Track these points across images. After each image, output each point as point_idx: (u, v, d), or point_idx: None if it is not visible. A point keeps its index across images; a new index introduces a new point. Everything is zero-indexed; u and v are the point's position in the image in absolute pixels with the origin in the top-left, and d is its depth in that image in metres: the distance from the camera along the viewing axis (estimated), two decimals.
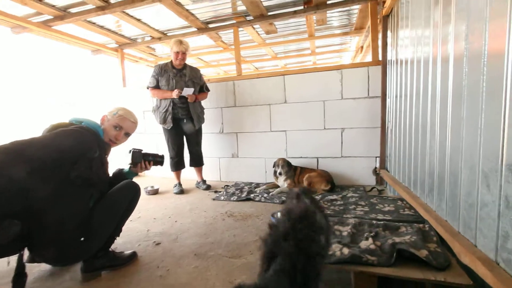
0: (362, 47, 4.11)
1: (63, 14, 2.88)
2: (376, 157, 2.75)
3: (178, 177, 2.91)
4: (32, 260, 1.28)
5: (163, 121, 2.69)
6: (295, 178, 2.71)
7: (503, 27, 0.95)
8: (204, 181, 3.02)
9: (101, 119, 1.43)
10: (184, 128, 2.76)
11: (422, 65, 1.67)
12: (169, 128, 2.68)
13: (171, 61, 2.69)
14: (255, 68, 5.73)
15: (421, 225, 1.44)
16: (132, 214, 2.13)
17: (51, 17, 2.91)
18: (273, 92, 3.07)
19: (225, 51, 4.29)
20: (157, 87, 2.68)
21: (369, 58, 4.03)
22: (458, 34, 1.24)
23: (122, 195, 1.38)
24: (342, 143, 2.85)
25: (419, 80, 1.72)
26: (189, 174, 3.11)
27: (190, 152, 2.92)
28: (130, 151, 1.53)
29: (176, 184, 2.87)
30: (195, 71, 2.81)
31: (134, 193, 1.44)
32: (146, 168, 1.55)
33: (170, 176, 3.48)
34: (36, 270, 1.44)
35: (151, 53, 4.47)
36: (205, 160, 3.11)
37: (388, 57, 2.51)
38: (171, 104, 2.63)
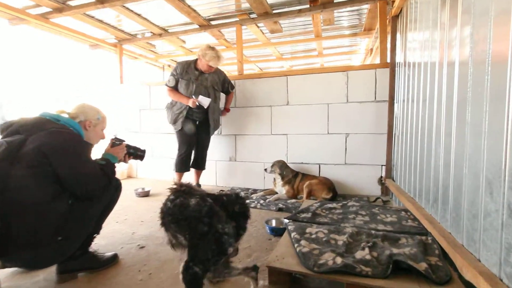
0: (372, 49, 4.14)
1: (62, 6, 2.98)
2: (382, 165, 2.73)
3: (181, 179, 2.91)
4: (2, 266, 1.24)
5: (174, 121, 2.71)
6: (295, 185, 2.70)
7: (506, 30, 0.96)
8: (199, 185, 3.04)
9: (84, 124, 1.43)
10: (194, 130, 2.77)
11: (429, 68, 1.67)
12: (176, 130, 2.71)
13: (196, 61, 2.68)
14: (259, 69, 5.79)
15: (423, 237, 1.41)
16: (119, 216, 2.18)
17: (50, 9, 3.01)
18: (275, 93, 3.09)
19: (228, 50, 4.35)
20: (175, 88, 2.68)
21: (378, 60, 4.04)
22: (463, 38, 1.25)
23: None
24: (346, 149, 2.84)
25: (425, 84, 1.72)
26: (186, 176, 3.12)
27: (196, 154, 2.91)
28: (112, 140, 1.54)
29: None
30: (218, 75, 2.79)
31: (114, 189, 1.44)
32: (124, 161, 1.55)
33: (163, 179, 3.51)
34: (8, 269, 1.43)
35: (151, 50, 4.56)
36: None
37: (397, 60, 2.52)
38: (187, 108, 2.64)
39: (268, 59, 5.07)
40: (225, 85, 2.90)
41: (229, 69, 5.90)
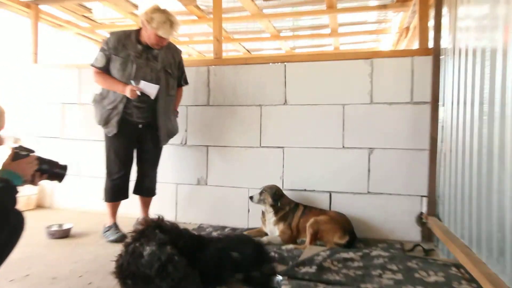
0: (407, 28, 4.24)
1: None
2: (422, 196, 2.74)
3: (115, 212, 2.84)
4: None
5: (105, 122, 2.66)
6: (294, 223, 2.67)
7: None
8: None
9: None
10: (135, 137, 2.74)
11: (489, 57, 1.69)
12: (110, 135, 2.68)
13: (139, 31, 2.67)
14: (245, 51, 5.82)
15: None
16: (16, 270, 2.06)
17: None
18: (267, 87, 3.08)
19: (201, 22, 4.36)
20: (105, 69, 2.65)
21: (417, 45, 4.14)
22: None
23: None
24: (369, 171, 2.85)
25: (487, 80, 1.73)
26: (125, 205, 3.01)
27: (139, 174, 2.91)
28: (14, 149, 1.51)
29: (110, 226, 2.78)
30: (173, 53, 2.80)
31: (12, 228, 1.38)
32: (33, 182, 1.53)
33: (95, 210, 3.39)
34: None
35: (86, 16, 4.50)
36: (157, 186, 3.05)
37: (443, 45, 2.57)
38: (124, 100, 2.61)
39: (260, 37, 5.10)
40: (178, 71, 2.87)
41: (201, 48, 5.88)
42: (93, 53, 5.07)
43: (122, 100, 2.61)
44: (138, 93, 2.53)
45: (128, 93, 2.51)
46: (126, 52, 2.62)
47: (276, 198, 2.70)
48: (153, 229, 1.21)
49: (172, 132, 2.89)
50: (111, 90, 2.63)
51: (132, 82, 2.55)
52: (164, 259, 1.10)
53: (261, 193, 2.73)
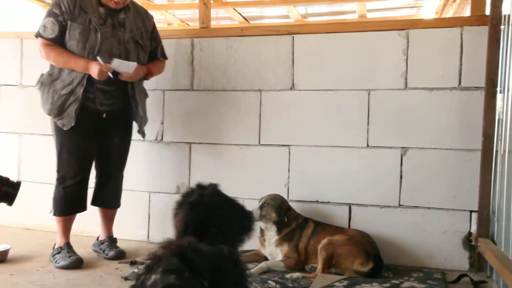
0: None
1: None
2: (471, 211, 2.76)
3: (67, 229, 2.85)
4: None
5: (58, 112, 2.68)
6: (302, 244, 2.69)
7: None
8: (112, 240, 3.00)
9: None
10: (93, 131, 2.77)
11: None
12: (66, 128, 2.69)
13: None
14: (242, 20, 5.83)
15: None
16: None
17: None
18: (269, 67, 3.09)
19: None
20: (58, 40, 2.67)
21: (468, 12, 4.16)
22: None
23: None
24: (401, 178, 2.86)
25: None
26: (80, 220, 3.04)
27: (100, 179, 2.95)
28: None
29: (62, 247, 2.80)
30: (143, 19, 2.84)
31: None
32: None
33: (41, 226, 3.42)
34: None
35: None
36: (123, 196, 3.09)
37: (505, 10, 2.56)
38: (85, 81, 2.63)
39: (261, 0, 5.10)
40: (152, 43, 2.90)
41: (185, 15, 5.88)
42: (39, 18, 5.11)
43: (81, 82, 2.62)
44: (109, 74, 2.56)
45: (95, 73, 2.53)
46: (85, 16, 2.64)
47: (282, 212, 2.71)
48: (174, 255, 1.22)
49: (143, 119, 2.94)
50: (68, 68, 2.65)
51: (99, 59, 2.55)
52: None
53: (262, 207, 2.73)
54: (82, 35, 2.63)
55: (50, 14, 2.66)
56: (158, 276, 1.11)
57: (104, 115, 2.77)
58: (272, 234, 2.74)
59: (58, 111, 2.67)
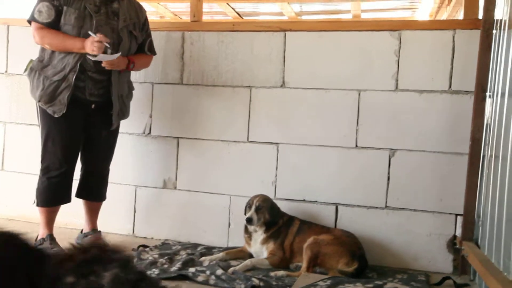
0: None
1: None
2: (456, 214, 2.78)
3: (51, 221, 2.84)
4: None
5: (49, 98, 2.67)
6: (287, 242, 2.71)
7: None
8: (97, 232, 3.00)
9: None
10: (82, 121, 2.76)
11: None
12: (57, 115, 2.68)
13: None
14: (235, 16, 5.81)
15: None
16: None
17: None
18: (260, 63, 3.09)
19: None
20: (52, 25, 2.66)
21: (461, 16, 4.17)
22: None
23: None
24: (389, 179, 2.88)
25: None
26: (65, 212, 3.02)
27: (86, 171, 2.95)
28: None
29: (44, 239, 2.79)
30: (136, 10, 2.88)
31: None
32: None
33: (24, 217, 3.40)
34: None
35: None
36: (109, 188, 3.08)
37: (497, 15, 2.56)
38: (78, 67, 2.64)
39: None
40: (142, 35, 2.91)
41: (177, 8, 5.83)
42: (28, 4, 5.04)
43: (73, 68, 2.62)
44: (107, 45, 2.55)
45: (91, 47, 2.50)
46: (81, 3, 2.64)
47: (274, 212, 2.73)
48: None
49: (125, 110, 2.93)
50: (64, 49, 2.64)
51: (91, 34, 2.55)
52: None
53: (257, 210, 2.71)
54: (77, 20, 2.62)
55: None
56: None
57: (93, 105, 2.76)
58: (259, 234, 2.75)
59: (49, 98, 2.66)
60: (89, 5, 2.64)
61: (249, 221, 2.72)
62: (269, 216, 2.73)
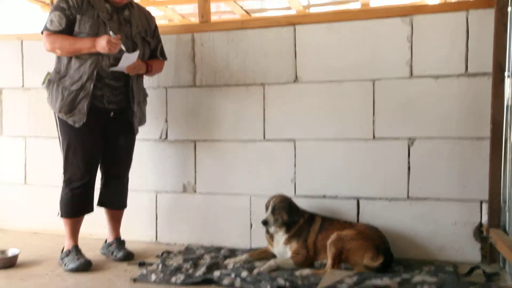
0: None
1: None
2: (481, 201, 2.74)
3: (76, 232, 2.87)
4: None
5: (69, 108, 2.69)
6: (310, 240, 2.71)
7: None
8: (120, 242, 3.02)
9: None
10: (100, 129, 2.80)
11: None
12: (78, 125, 2.71)
13: None
14: (243, 13, 5.80)
15: None
16: None
17: None
18: (271, 60, 3.08)
19: None
20: (64, 33, 2.67)
21: None
22: None
23: None
24: (409, 169, 2.86)
25: None
26: (88, 222, 3.04)
27: (106, 180, 3.00)
28: None
29: (70, 250, 2.81)
30: (146, 17, 2.93)
31: None
32: None
33: (49, 230, 3.44)
34: None
35: None
36: (129, 196, 3.11)
37: None
38: (94, 75, 2.66)
39: None
40: (154, 41, 2.95)
41: (185, 10, 5.86)
42: (39, 19, 5.11)
43: (91, 77, 2.64)
44: (123, 47, 2.57)
45: (104, 45, 2.49)
46: (93, 11, 2.68)
47: (292, 212, 2.72)
48: None
49: (142, 120, 2.99)
50: (75, 51, 2.64)
51: (111, 33, 2.58)
52: None
53: (274, 211, 2.70)
54: (92, 28, 2.65)
55: (57, 8, 2.68)
56: None
57: (112, 113, 2.80)
58: (280, 235, 2.74)
59: (69, 108, 2.68)
60: (101, 13, 2.69)
61: (265, 223, 2.72)
62: (288, 216, 2.72)
